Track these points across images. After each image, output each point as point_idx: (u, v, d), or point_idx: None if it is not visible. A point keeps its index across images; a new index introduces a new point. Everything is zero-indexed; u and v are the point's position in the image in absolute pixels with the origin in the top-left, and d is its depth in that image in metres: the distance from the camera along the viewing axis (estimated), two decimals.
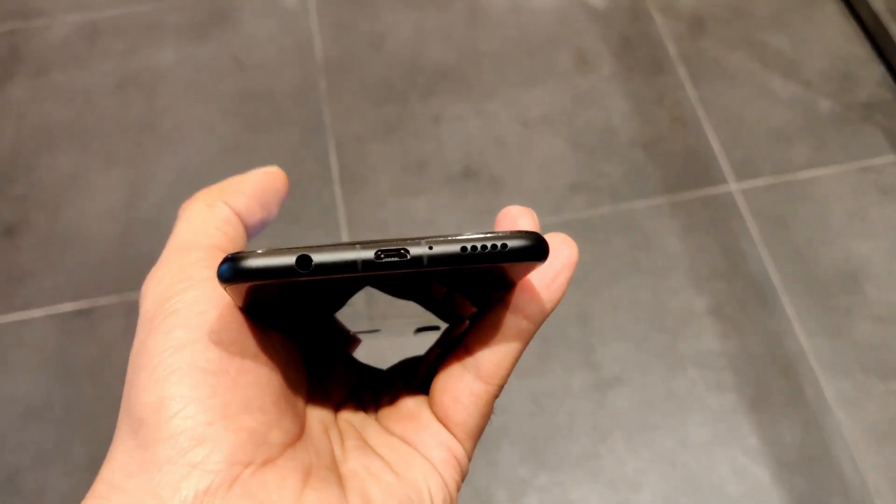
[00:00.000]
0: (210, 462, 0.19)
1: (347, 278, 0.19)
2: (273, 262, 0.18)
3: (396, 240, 0.19)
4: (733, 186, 1.09)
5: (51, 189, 1.13)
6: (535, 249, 0.20)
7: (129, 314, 1.01)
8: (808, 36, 1.24)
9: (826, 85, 1.19)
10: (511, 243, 0.19)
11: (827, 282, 1.01)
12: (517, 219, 0.24)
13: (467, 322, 0.26)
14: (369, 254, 0.19)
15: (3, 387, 0.97)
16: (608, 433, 0.92)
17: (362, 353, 0.31)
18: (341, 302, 0.24)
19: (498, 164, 1.13)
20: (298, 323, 0.25)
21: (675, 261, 1.04)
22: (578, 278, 1.02)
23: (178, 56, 1.25)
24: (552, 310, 0.23)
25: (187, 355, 0.20)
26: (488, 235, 0.19)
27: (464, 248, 0.19)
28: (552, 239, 0.23)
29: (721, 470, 0.89)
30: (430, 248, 0.19)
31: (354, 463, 0.22)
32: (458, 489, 0.23)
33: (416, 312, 0.26)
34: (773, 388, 0.94)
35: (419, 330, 0.29)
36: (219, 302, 0.21)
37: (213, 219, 0.24)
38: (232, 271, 0.19)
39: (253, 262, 0.18)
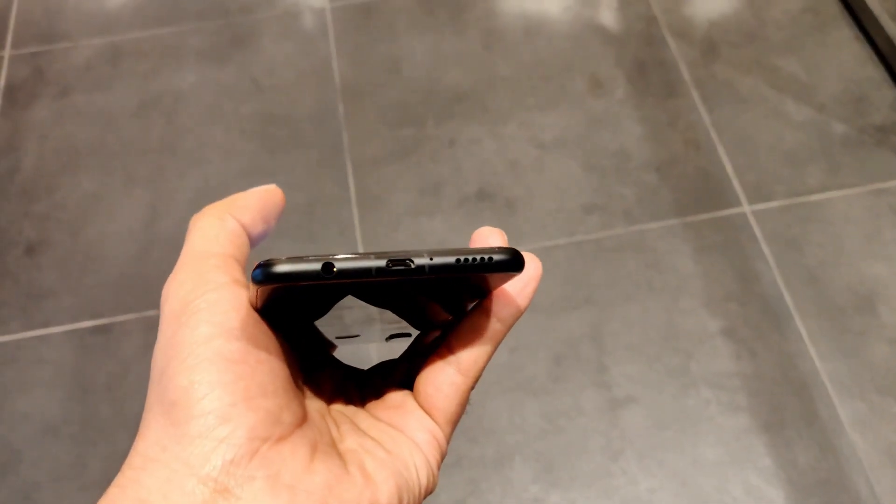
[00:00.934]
0: (234, 437, 0.22)
1: (353, 286, 0.24)
2: (302, 268, 0.22)
3: (404, 251, 0.23)
4: (746, 208, 1.10)
5: (72, 209, 1.15)
6: (515, 262, 0.24)
7: (148, 331, 1.03)
8: (822, 60, 1.25)
9: (840, 108, 1.19)
10: (496, 257, 0.23)
11: (841, 304, 1.01)
12: (489, 237, 0.28)
13: (439, 331, 0.30)
14: (381, 262, 0.22)
15: (21, 403, 0.99)
16: (620, 452, 0.92)
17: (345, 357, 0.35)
18: (324, 310, 0.27)
19: (512, 185, 1.14)
20: (292, 326, 0.28)
21: (688, 282, 1.04)
22: (592, 298, 1.03)
23: (198, 78, 1.28)
24: (521, 314, 0.28)
25: (214, 347, 0.23)
26: (478, 250, 0.23)
27: (458, 260, 0.23)
28: None
29: (734, 491, 0.89)
30: (431, 259, 0.23)
31: (351, 442, 0.26)
32: (439, 467, 0.27)
33: (389, 321, 0.30)
34: (787, 410, 0.94)
35: (391, 337, 0.33)
36: (237, 303, 0.25)
37: (224, 231, 0.27)
38: (265, 275, 0.22)
39: (284, 268, 0.22)
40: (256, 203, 0.29)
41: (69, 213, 1.14)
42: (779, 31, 1.29)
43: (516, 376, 0.98)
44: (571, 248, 1.08)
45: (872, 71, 1.24)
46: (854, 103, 1.20)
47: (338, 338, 0.33)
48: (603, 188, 1.13)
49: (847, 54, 1.26)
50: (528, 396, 0.96)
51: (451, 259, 0.23)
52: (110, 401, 0.98)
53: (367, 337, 0.33)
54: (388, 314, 0.29)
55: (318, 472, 0.23)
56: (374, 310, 0.28)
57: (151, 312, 1.05)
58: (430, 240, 1.09)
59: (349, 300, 0.26)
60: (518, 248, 0.25)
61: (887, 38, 1.21)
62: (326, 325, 0.30)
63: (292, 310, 0.26)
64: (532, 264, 0.28)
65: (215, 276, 0.25)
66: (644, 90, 1.23)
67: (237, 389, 0.23)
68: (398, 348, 0.33)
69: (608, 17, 1.32)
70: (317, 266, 0.22)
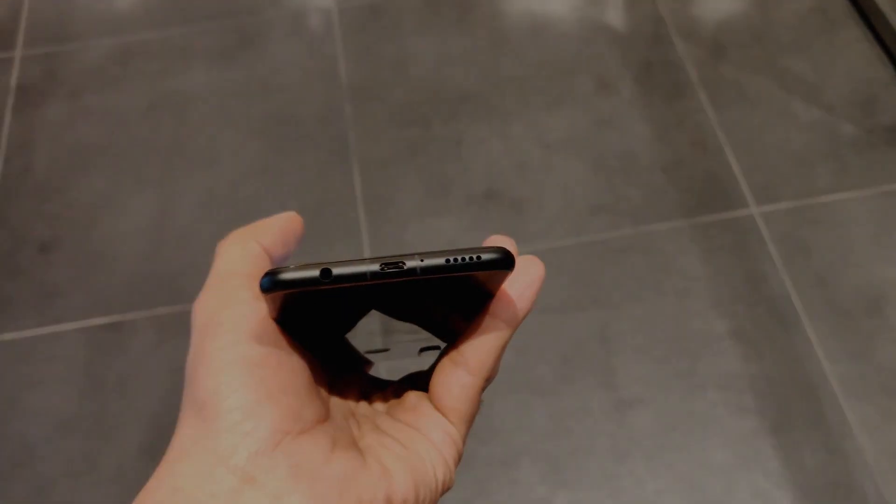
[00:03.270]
0: (258, 430, 0.24)
1: (359, 293, 0.25)
2: (302, 274, 0.24)
3: (397, 255, 0.24)
4: (754, 210, 1.10)
5: (84, 208, 1.16)
6: (504, 260, 0.25)
7: (158, 329, 1.04)
8: (830, 60, 1.25)
9: (848, 109, 1.19)
10: (484, 255, 0.25)
11: (849, 306, 1.01)
12: (497, 243, 0.29)
13: None
14: (375, 266, 0.24)
15: (34, 399, 1.00)
16: (628, 454, 0.92)
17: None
18: (351, 324, 0.29)
19: (519, 186, 1.14)
20: (319, 340, 0.30)
21: (695, 283, 1.04)
22: (599, 299, 1.03)
23: (207, 79, 1.29)
24: (524, 315, 0.29)
25: (237, 352, 0.26)
26: (466, 249, 0.25)
27: (447, 260, 0.24)
28: (523, 259, 0.29)
29: (742, 494, 0.89)
30: (422, 260, 0.24)
31: (370, 439, 0.28)
32: (456, 464, 0.29)
33: (419, 334, 0.31)
34: (795, 412, 0.94)
35: (423, 350, 0.34)
36: (258, 314, 0.27)
37: (247, 254, 0.30)
38: (271, 282, 0.24)
39: (287, 275, 0.24)
40: (277, 229, 0.31)
41: (81, 212, 1.15)
42: (787, 31, 1.29)
43: (524, 377, 0.98)
44: (579, 249, 1.08)
45: (881, 71, 1.23)
46: (863, 104, 1.20)
47: (368, 352, 0.34)
48: (610, 189, 1.13)
49: (856, 54, 1.26)
50: (535, 397, 0.97)
51: (441, 260, 0.24)
52: (121, 397, 0.99)
53: (398, 351, 0.35)
54: (415, 328, 0.31)
55: (337, 462, 0.25)
56: (400, 324, 0.30)
57: (162, 310, 1.05)
58: (437, 240, 1.09)
59: (374, 315, 0.28)
60: (517, 250, 0.27)
61: None
62: (356, 340, 0.31)
63: (313, 322, 0.28)
64: (533, 267, 0.29)
65: (238, 294, 0.28)
66: (651, 91, 1.23)
67: (260, 388, 0.25)
68: (431, 360, 0.34)
69: (615, 17, 1.32)
70: (315, 272, 0.24)
